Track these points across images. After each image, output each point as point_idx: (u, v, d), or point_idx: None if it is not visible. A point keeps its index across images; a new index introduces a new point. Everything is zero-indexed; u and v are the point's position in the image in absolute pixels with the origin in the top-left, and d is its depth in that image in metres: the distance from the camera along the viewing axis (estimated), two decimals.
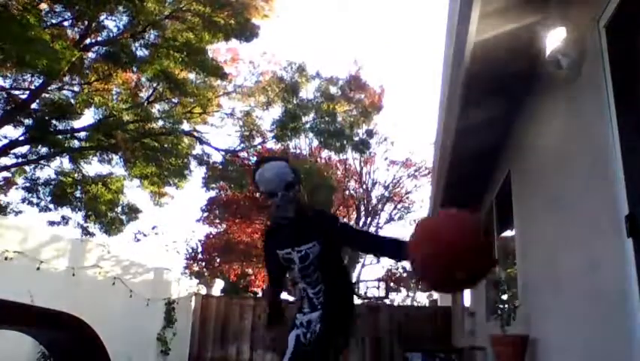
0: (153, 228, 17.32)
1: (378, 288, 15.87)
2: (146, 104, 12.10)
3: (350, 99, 14.67)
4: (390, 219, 18.83)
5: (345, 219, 17.41)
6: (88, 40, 10.86)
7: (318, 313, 2.67)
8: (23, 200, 11.77)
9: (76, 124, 11.62)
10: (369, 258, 19.29)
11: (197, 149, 13.21)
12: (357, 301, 15.73)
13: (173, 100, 12.37)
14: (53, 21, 10.19)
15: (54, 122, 11.09)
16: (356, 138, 14.12)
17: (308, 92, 14.44)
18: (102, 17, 10.64)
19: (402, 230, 21.93)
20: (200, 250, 17.46)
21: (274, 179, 2.60)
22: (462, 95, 3.96)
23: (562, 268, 3.38)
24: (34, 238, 7.33)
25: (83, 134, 11.69)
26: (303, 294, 2.70)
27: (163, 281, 10.16)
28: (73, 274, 7.76)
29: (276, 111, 13.62)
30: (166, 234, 28.00)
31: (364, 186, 18.02)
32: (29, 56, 7.54)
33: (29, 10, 8.19)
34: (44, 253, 7.35)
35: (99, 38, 11.12)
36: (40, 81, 10.24)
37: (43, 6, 9.55)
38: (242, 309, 11.19)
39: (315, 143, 15.36)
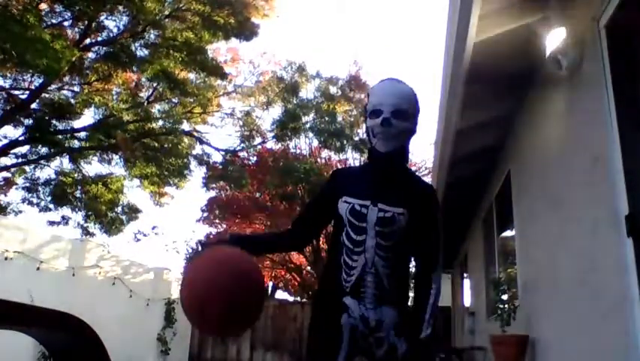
0: (153, 228, 17.33)
1: None
2: (146, 104, 12.11)
3: (350, 99, 14.67)
4: None
5: None
6: (88, 40, 10.86)
7: (394, 311, 1.85)
8: (23, 200, 11.79)
9: (77, 124, 11.65)
10: None
11: (197, 149, 13.24)
12: None
13: (173, 100, 12.38)
14: (53, 21, 10.20)
15: (54, 122, 11.10)
16: (356, 138, 14.11)
17: (308, 92, 14.45)
18: (102, 17, 10.65)
19: None
20: (200, 250, 17.43)
21: (405, 93, 1.91)
22: (462, 96, 3.96)
23: (562, 268, 3.38)
24: (34, 238, 7.34)
25: (83, 134, 11.70)
26: (353, 270, 1.85)
27: (163, 281, 10.17)
28: (73, 274, 7.76)
29: (276, 111, 13.64)
30: (166, 234, 28.04)
31: None
32: (29, 56, 7.55)
33: (29, 10, 8.19)
34: (44, 253, 7.35)
35: (99, 38, 11.13)
36: (40, 81, 10.25)
37: (43, 6, 9.55)
38: None
39: (315, 143, 15.36)
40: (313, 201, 2.13)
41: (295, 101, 13.64)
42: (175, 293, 10.38)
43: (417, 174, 2.17)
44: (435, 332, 1.84)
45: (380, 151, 1.91)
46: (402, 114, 1.88)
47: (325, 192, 2.04)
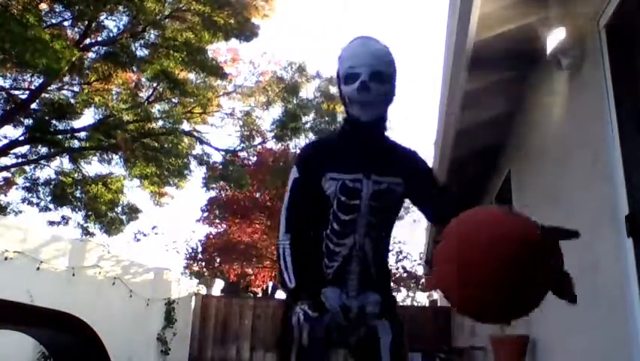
0: (153, 228, 17.36)
1: None
2: (146, 104, 12.11)
3: None
4: None
5: None
6: (88, 40, 10.86)
7: (377, 296, 1.67)
8: (23, 200, 11.78)
9: (76, 124, 11.64)
10: None
11: (197, 149, 13.23)
12: None
13: (173, 100, 12.37)
14: (53, 21, 10.19)
15: (54, 122, 11.10)
16: None
17: (308, 92, 14.45)
18: (102, 17, 10.65)
19: (402, 230, 21.96)
20: (200, 250, 17.47)
21: (382, 53, 1.71)
22: (462, 95, 3.96)
23: None
24: (34, 238, 7.33)
25: (83, 134, 11.70)
26: (337, 256, 1.64)
27: (163, 281, 10.17)
28: (73, 274, 7.76)
29: (276, 111, 13.64)
30: (166, 234, 28.05)
31: None
32: (29, 56, 7.54)
33: (29, 10, 8.19)
34: (44, 253, 7.35)
35: (99, 38, 11.13)
36: (40, 81, 10.25)
37: (43, 6, 9.55)
38: (242, 309, 11.20)
39: None
40: (300, 193, 1.75)
41: (295, 101, 13.64)
42: (175, 293, 10.38)
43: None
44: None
45: (359, 120, 1.70)
46: (380, 77, 1.68)
47: (304, 177, 1.73)
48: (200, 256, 17.57)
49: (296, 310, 1.61)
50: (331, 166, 1.68)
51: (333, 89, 14.63)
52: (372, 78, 1.66)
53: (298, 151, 1.89)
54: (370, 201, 1.66)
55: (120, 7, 10.18)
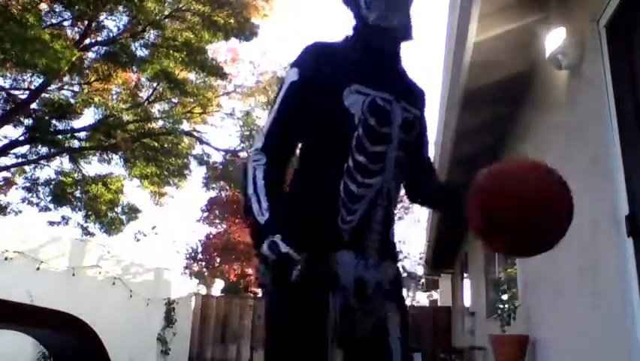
0: (153, 228, 17.32)
1: None
2: (146, 104, 12.12)
3: None
4: None
5: None
6: (88, 40, 10.87)
7: (394, 267, 1.29)
8: (23, 200, 11.79)
9: (76, 124, 11.66)
10: None
11: (197, 149, 13.24)
12: None
13: (173, 100, 12.39)
14: (53, 21, 10.20)
15: (54, 122, 11.11)
16: None
17: None
18: (102, 17, 10.66)
19: (402, 230, 21.98)
20: (200, 250, 17.48)
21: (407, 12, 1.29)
22: (462, 96, 3.96)
23: (562, 268, 3.38)
24: (34, 238, 7.34)
25: (83, 134, 11.71)
26: (360, 204, 1.20)
27: (163, 281, 10.17)
28: (73, 274, 7.76)
29: None
30: (166, 234, 28.04)
31: None
32: (29, 56, 7.55)
33: (29, 10, 8.20)
34: (44, 253, 7.35)
35: (99, 38, 11.14)
36: (40, 81, 10.26)
37: (43, 6, 9.56)
38: (242, 309, 11.19)
39: None
40: (297, 101, 1.25)
41: None
42: (175, 293, 10.38)
43: None
44: None
45: (380, 25, 1.23)
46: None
47: (314, 78, 1.23)
48: (200, 256, 17.59)
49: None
50: (355, 76, 1.21)
51: None
52: None
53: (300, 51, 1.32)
54: (400, 133, 1.24)
55: (120, 7, 10.19)
